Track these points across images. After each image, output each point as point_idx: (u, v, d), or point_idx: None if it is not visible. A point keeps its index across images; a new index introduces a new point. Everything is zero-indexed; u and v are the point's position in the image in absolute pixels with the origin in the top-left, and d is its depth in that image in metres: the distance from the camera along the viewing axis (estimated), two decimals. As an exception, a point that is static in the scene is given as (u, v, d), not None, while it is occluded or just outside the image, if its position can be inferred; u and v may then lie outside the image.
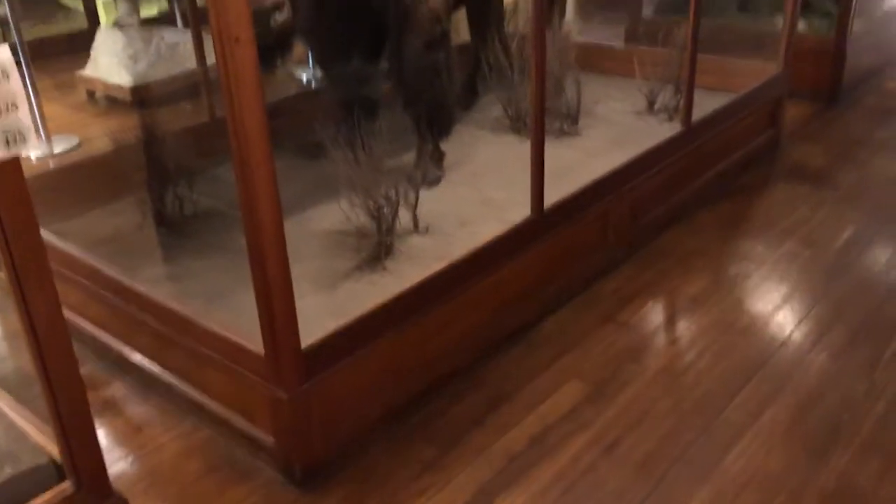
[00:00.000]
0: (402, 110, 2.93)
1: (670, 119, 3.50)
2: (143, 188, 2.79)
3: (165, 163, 2.81)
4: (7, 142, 1.23)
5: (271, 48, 2.16)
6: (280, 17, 2.11)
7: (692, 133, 3.14)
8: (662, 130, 3.28)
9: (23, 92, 1.22)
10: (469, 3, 3.49)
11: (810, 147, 3.84)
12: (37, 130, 4.08)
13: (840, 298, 2.65)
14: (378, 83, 3.05)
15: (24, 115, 1.24)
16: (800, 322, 2.54)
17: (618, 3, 5.51)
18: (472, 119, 3.63)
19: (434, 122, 2.94)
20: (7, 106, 1.21)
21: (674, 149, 3.06)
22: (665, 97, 3.58)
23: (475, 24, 3.78)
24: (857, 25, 4.40)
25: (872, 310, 2.57)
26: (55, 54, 5.00)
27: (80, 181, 2.98)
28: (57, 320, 1.37)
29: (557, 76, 3.42)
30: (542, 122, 2.41)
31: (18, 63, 3.46)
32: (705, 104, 3.26)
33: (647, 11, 5.01)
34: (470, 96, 3.77)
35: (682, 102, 3.20)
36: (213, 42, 1.55)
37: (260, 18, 2.02)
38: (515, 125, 3.47)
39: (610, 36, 4.93)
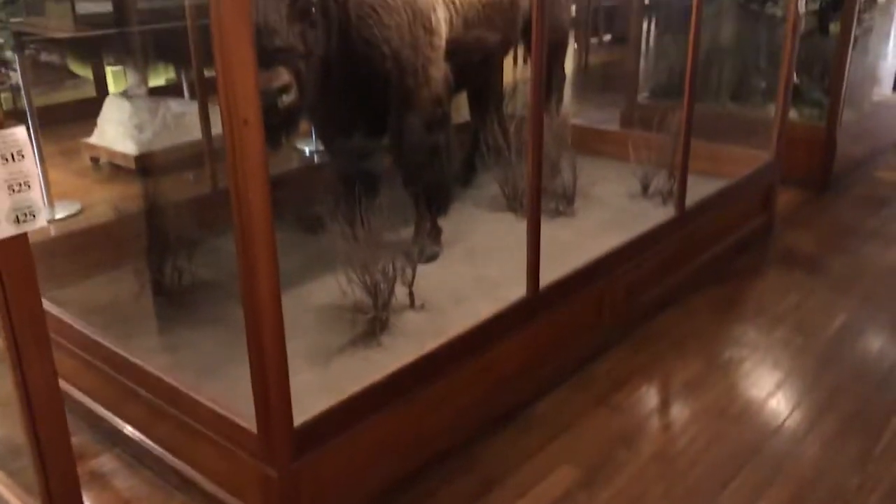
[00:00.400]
0: (402, 187, 2.99)
1: (664, 203, 3.56)
2: (143, 257, 2.81)
3: (165, 232, 2.85)
4: (17, 219, 1.26)
5: (277, 127, 2.22)
6: (287, 98, 2.18)
7: (686, 218, 3.20)
8: (656, 214, 3.34)
9: (36, 172, 1.26)
10: (469, 86, 3.59)
11: (802, 233, 3.90)
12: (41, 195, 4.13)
13: (832, 387, 2.65)
14: (379, 159, 3.12)
15: (36, 195, 1.27)
16: (792, 410, 2.54)
17: (614, 86, 5.69)
18: (470, 196, 3.69)
19: (433, 199, 3.00)
20: (20, 185, 1.24)
21: (668, 233, 3.11)
22: (659, 181, 3.65)
23: (475, 105, 3.88)
24: (846, 115, 4.53)
25: (864, 400, 2.58)
26: (62, 121, 5.09)
27: (80, 248, 3.00)
28: (53, 394, 1.37)
29: (554, 158, 3.51)
30: (538, 203, 2.45)
31: (28, 129, 3.54)
32: (698, 189, 3.33)
33: (642, 96, 5.15)
34: (468, 174, 3.85)
35: (675, 187, 3.27)
36: (222, 122, 1.60)
37: (268, 99, 2.08)
38: (512, 204, 3.52)
39: (605, 119, 5.07)
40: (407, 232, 3.08)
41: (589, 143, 4.24)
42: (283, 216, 2.91)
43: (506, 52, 3.58)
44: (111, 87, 5.66)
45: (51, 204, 4.19)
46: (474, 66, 3.20)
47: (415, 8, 2.65)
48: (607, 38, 8.50)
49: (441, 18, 2.78)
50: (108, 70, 5.74)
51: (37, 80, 5.09)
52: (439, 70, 2.83)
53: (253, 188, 1.60)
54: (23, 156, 1.24)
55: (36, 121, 4.14)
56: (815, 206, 4.26)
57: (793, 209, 4.17)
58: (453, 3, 2.85)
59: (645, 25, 5.73)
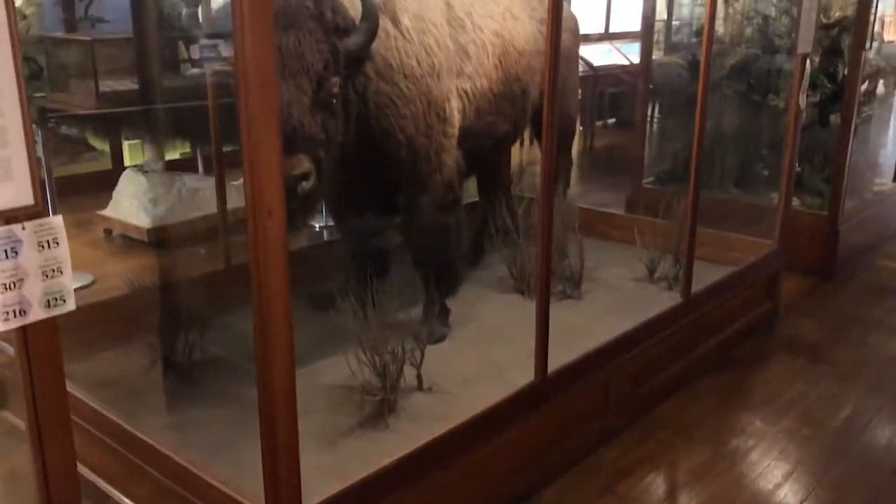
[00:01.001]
0: (412, 268, 3.04)
1: (670, 288, 3.60)
2: (154, 331, 2.84)
3: (178, 307, 2.88)
4: (48, 304, 1.30)
5: (296, 212, 2.28)
6: (307, 185, 2.25)
7: (692, 304, 3.23)
8: (662, 299, 3.38)
9: (69, 258, 1.31)
10: (480, 170, 3.68)
11: (806, 321, 3.93)
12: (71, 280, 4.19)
13: (840, 482, 2.64)
14: (389, 238, 3.18)
15: (67, 280, 1.31)
16: (801, 503, 2.52)
17: (619, 170, 5.80)
18: (478, 277, 3.73)
19: (442, 281, 3.05)
20: (54, 270, 1.29)
21: (674, 319, 3.14)
22: (665, 266, 3.70)
23: (484, 187, 3.97)
24: (848, 203, 4.61)
25: (873, 496, 2.56)
26: (78, 192, 5.20)
27: (91, 321, 3.03)
28: (71, 478, 1.39)
29: (561, 241, 3.57)
30: (547, 290, 2.50)
31: (47, 201, 3.62)
32: (704, 276, 3.38)
33: (647, 181, 5.25)
34: (477, 254, 3.90)
35: (681, 273, 3.32)
36: (247, 211, 1.66)
37: (289, 185, 2.14)
38: (520, 285, 3.57)
39: (611, 201, 5.16)
40: (416, 311, 3.12)
41: (595, 226, 4.30)
42: (295, 293, 2.95)
43: (515, 139, 3.69)
44: (127, 160, 5.80)
45: (63, 274, 4.24)
46: (485, 152, 3.30)
47: (430, 98, 2.75)
48: (612, 121, 8.69)
49: (454, 108, 2.88)
50: (126, 143, 5.88)
51: (56, 151, 5.22)
52: (452, 156, 2.92)
53: (274, 278, 1.65)
54: (58, 243, 1.30)
55: (54, 193, 4.23)
56: (819, 293, 4.29)
57: (797, 297, 4.21)
58: (466, 93, 2.95)
59: (649, 110, 5.87)
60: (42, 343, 1.33)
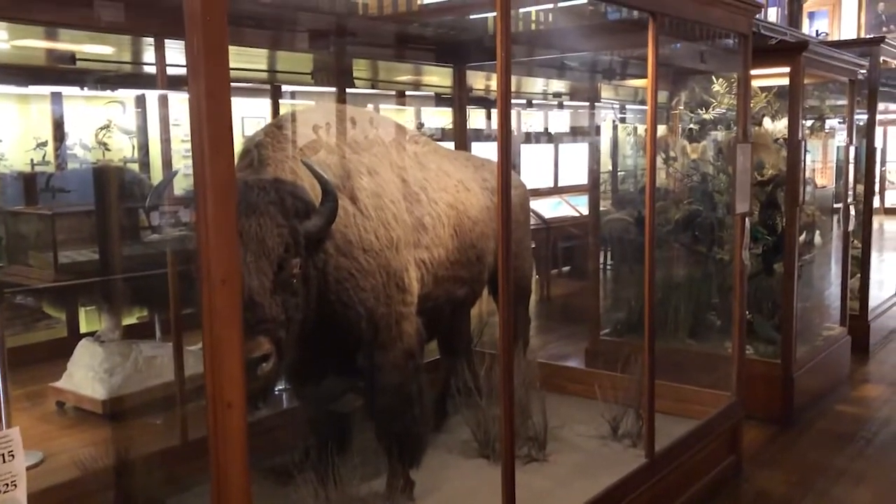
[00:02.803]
0: (374, 439, 3.00)
1: (634, 445, 3.59)
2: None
3: (131, 489, 2.79)
4: (1, 521, 1.27)
5: (255, 392, 2.27)
6: (267, 367, 2.25)
7: (657, 464, 3.22)
8: (627, 458, 3.37)
9: (24, 472, 1.29)
10: (440, 334, 3.72)
11: (771, 473, 3.92)
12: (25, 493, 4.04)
13: None
14: (349, 406, 3.16)
15: (21, 493, 1.29)
16: None
17: (577, 319, 5.90)
18: (442, 442, 3.68)
19: (405, 452, 3.00)
20: (8, 485, 1.27)
21: (639, 481, 3.12)
22: (628, 422, 3.71)
23: (445, 349, 4.00)
24: (801, 349, 4.72)
25: None
26: (31, 362, 5.09)
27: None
28: None
29: (524, 400, 3.57)
30: (512, 464, 2.48)
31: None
32: (667, 430, 3.39)
33: (604, 332, 5.33)
34: (439, 417, 3.86)
35: (644, 431, 3.32)
36: (207, 403, 1.66)
37: (249, 367, 2.15)
38: (484, 450, 3.53)
39: (569, 353, 5.22)
40: (379, 483, 3.05)
41: (556, 381, 4.32)
42: (254, 464, 2.89)
43: (474, 302, 3.76)
44: (84, 327, 5.72)
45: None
46: (444, 316, 3.36)
47: (389, 270, 2.83)
48: (567, 269, 8.92)
49: (413, 277, 2.96)
50: (83, 309, 5.83)
51: (10, 321, 5.15)
52: (412, 324, 2.97)
53: (233, 469, 1.63)
54: (13, 455, 1.28)
55: (6, 366, 4.14)
56: (780, 443, 4.31)
57: (759, 447, 4.22)
58: (424, 263, 3.04)
59: (601, 261, 6.06)
60: (-9, 561, 1.28)
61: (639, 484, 3.12)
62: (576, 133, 10.07)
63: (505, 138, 2.47)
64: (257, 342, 2.21)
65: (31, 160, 6.00)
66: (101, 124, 6.45)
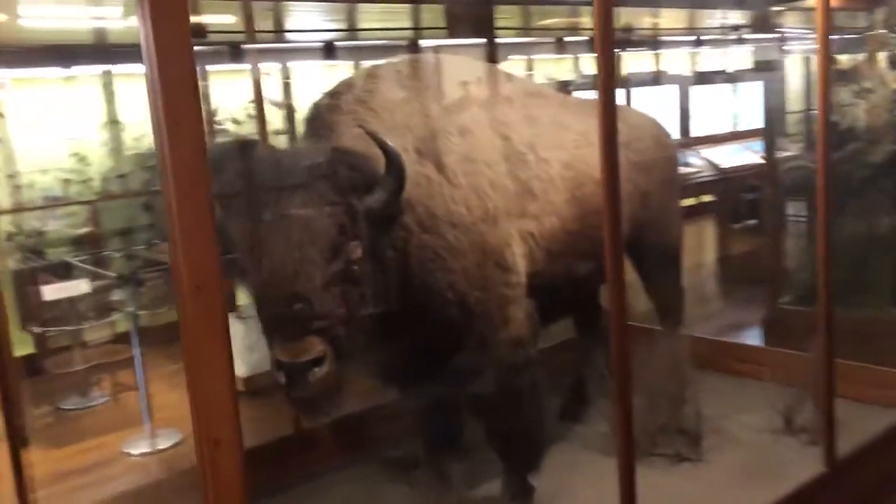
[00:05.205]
0: (485, 443, 2.61)
1: (813, 442, 2.95)
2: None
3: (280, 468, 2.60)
4: None
5: (310, 402, 1.96)
6: (320, 371, 1.89)
7: (839, 472, 2.59)
8: (803, 459, 2.77)
9: None
10: (570, 314, 3.24)
11: None
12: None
13: None
14: (457, 404, 2.77)
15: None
16: None
17: (753, 284, 5.11)
18: (578, 436, 3.23)
19: (520, 457, 2.59)
20: None
21: (816, 495, 2.51)
22: (806, 412, 3.06)
23: (581, 327, 3.51)
24: None
25: None
26: (177, 339, 5.17)
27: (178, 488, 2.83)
28: None
29: (672, 389, 3.04)
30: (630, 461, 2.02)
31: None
32: (859, 423, 2.82)
33: (785, 300, 4.55)
34: (576, 407, 3.39)
35: (822, 428, 2.69)
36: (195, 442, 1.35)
37: (294, 373, 1.86)
38: (627, 445, 3.04)
39: (743, 326, 4.52)
40: (495, 486, 2.67)
41: (722, 359, 3.72)
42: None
43: (601, 276, 3.24)
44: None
45: (152, 433, 4.12)
46: (566, 296, 2.87)
47: (485, 247, 2.39)
48: (748, 223, 7.99)
49: (518, 254, 2.50)
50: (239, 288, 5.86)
51: (160, 300, 5.25)
52: (520, 309, 2.52)
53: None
54: None
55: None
56: None
57: None
58: (532, 236, 2.57)
59: (783, 217, 5.21)
60: None
61: (816, 498, 2.51)
62: (759, 69, 8.99)
63: (607, 82, 1.97)
64: (306, 343, 1.86)
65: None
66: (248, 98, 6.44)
